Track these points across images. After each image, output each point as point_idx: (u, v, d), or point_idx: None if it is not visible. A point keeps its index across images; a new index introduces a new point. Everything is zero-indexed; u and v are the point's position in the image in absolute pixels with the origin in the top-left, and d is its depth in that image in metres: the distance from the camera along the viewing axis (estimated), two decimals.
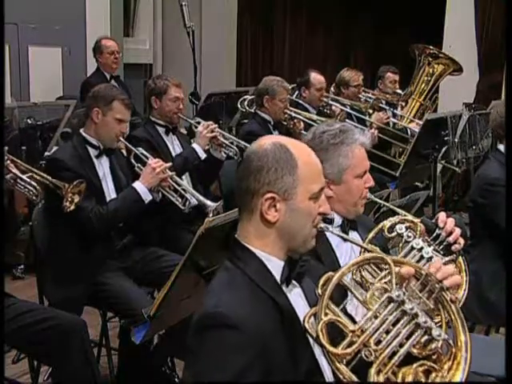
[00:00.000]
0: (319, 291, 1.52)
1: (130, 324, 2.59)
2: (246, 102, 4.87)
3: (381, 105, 5.23)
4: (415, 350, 1.45)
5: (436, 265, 1.55)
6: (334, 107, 5.02)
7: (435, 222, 1.99)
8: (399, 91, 5.76)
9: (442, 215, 2.01)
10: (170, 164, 3.17)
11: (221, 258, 2.20)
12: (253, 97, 4.65)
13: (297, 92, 5.05)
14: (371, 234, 2.00)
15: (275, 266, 1.56)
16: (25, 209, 3.48)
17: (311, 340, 1.52)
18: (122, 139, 3.08)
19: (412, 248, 1.78)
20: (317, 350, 1.55)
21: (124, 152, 3.34)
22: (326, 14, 9.36)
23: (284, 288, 1.56)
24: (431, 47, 5.57)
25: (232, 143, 3.69)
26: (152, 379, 2.93)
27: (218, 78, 7.60)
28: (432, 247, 1.86)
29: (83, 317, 2.76)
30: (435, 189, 3.83)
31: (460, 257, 2.02)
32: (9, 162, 2.56)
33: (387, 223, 1.94)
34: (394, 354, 1.45)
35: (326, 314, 1.49)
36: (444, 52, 5.74)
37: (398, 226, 1.89)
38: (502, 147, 3.07)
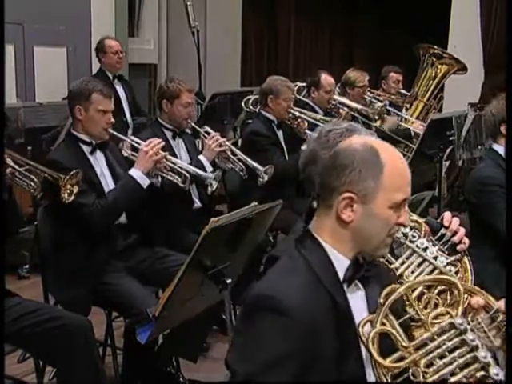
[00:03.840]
0: (381, 300, 1.50)
1: (134, 324, 2.59)
2: (250, 102, 4.87)
3: (388, 108, 5.22)
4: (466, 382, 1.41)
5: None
6: (341, 110, 5.01)
7: (440, 222, 1.98)
8: (403, 91, 5.75)
9: (447, 215, 2.00)
10: (162, 144, 3.14)
11: (226, 258, 2.21)
12: (257, 96, 4.65)
13: (305, 91, 5.04)
14: None
15: (341, 263, 1.54)
16: (29, 208, 3.49)
17: (362, 346, 1.49)
18: (110, 130, 3.05)
19: (417, 248, 1.78)
20: (365, 357, 1.52)
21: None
22: (331, 14, 9.36)
23: (345, 287, 1.54)
24: (435, 47, 5.56)
25: (239, 160, 3.65)
26: (157, 379, 2.93)
27: (222, 78, 7.61)
28: (437, 247, 1.85)
29: (88, 316, 2.76)
30: (440, 189, 3.83)
31: (465, 257, 2.01)
32: (6, 156, 2.56)
33: None
34: (443, 381, 1.40)
35: (382, 324, 1.46)
36: (448, 52, 5.73)
37: None
38: (495, 146, 3.06)
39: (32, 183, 2.59)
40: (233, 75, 8.28)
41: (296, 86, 4.78)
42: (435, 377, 1.40)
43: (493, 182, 2.88)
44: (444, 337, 1.44)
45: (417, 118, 5.49)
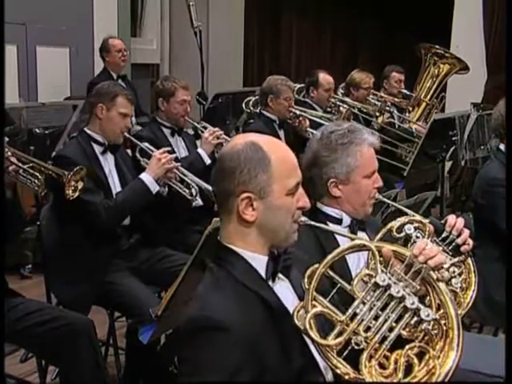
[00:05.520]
0: (305, 284, 1.53)
1: (137, 324, 2.59)
2: (250, 103, 4.86)
3: (388, 107, 5.22)
4: (405, 333, 1.46)
5: (420, 246, 1.53)
6: (341, 108, 5.01)
7: (444, 223, 1.98)
8: (404, 91, 5.74)
9: (450, 217, 2.00)
10: (175, 155, 3.20)
11: None
12: (257, 98, 4.65)
13: (304, 92, 5.05)
14: (379, 235, 1.99)
15: (259, 262, 1.56)
16: (32, 208, 3.49)
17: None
18: (126, 134, 3.10)
19: None
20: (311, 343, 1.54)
21: (129, 151, 3.35)
22: (333, 14, 9.36)
23: (271, 283, 1.56)
24: (437, 46, 5.56)
25: None
26: (159, 379, 2.93)
27: (224, 78, 7.61)
28: (441, 248, 1.85)
29: (90, 316, 2.76)
30: (443, 189, 3.82)
31: (469, 258, 2.01)
32: (9, 153, 2.56)
33: (396, 223, 1.94)
34: (384, 338, 1.45)
35: (313, 306, 1.49)
36: (450, 51, 5.72)
37: (406, 227, 1.88)
38: (502, 146, 3.06)
39: (36, 180, 2.60)
40: (235, 75, 8.28)
41: (295, 87, 4.78)
42: (376, 338, 1.45)
43: (499, 183, 2.88)
44: (372, 298, 1.48)
45: (419, 117, 5.49)
